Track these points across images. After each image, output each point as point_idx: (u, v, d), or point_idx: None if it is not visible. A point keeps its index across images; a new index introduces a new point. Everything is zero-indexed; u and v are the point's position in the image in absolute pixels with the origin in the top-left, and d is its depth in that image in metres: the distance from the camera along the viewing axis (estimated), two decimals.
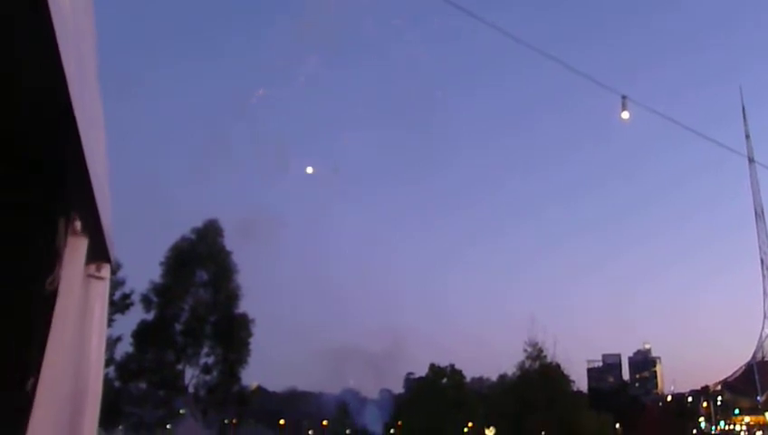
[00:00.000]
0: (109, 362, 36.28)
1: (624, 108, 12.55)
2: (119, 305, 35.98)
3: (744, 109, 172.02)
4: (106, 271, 2.31)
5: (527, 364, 49.13)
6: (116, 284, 34.75)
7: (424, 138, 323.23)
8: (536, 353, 48.71)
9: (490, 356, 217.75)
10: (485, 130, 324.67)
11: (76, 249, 1.91)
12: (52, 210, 1.76)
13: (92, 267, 2.21)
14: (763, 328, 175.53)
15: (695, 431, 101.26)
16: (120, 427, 39.54)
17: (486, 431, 51.95)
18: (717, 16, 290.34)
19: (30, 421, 1.74)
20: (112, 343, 35.83)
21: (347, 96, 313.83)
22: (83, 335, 2.14)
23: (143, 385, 39.97)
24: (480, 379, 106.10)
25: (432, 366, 54.51)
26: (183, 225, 43.03)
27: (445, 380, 52.79)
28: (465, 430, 53.03)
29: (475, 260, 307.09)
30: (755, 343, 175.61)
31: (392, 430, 60.92)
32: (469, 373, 62.40)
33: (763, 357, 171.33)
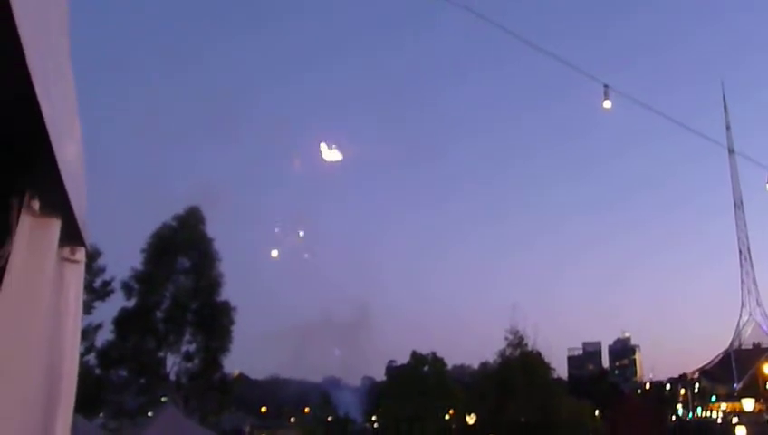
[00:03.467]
0: (89, 349, 36.07)
1: (606, 97, 12.61)
2: (99, 293, 35.73)
3: (724, 99, 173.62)
4: (81, 254, 2.30)
5: (508, 352, 49.46)
6: (96, 271, 34.47)
7: (411, 126, 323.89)
8: (517, 341, 49.04)
9: (471, 344, 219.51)
10: (472, 120, 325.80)
11: (44, 231, 1.89)
12: (2, 187, 1.75)
13: (66, 250, 2.20)
14: (740, 316, 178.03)
15: (672, 418, 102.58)
16: (101, 414, 39.36)
17: (467, 418, 52.28)
18: (700, 8, 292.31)
19: (4, 404, 1.74)
20: (92, 330, 35.61)
21: (338, 83, 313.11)
22: (59, 318, 2.14)
23: (124, 373, 39.78)
24: (461, 366, 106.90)
25: (414, 354, 54.68)
26: (165, 212, 42.59)
27: (426, 367, 53.01)
28: (447, 417, 53.36)
29: (457, 249, 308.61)
30: (733, 331, 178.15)
31: (374, 418, 61.15)
32: (451, 361, 62.87)
33: (741, 345, 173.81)
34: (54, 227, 1.94)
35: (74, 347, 2.30)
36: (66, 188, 1.76)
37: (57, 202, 1.86)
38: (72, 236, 2.14)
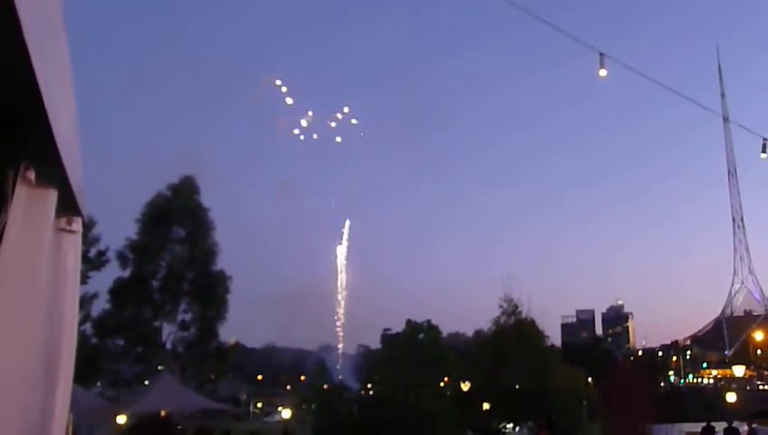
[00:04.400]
0: (85, 318, 36.17)
1: (602, 66, 12.54)
2: (94, 263, 35.73)
3: (720, 68, 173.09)
4: (77, 224, 2.31)
5: (502, 320, 49.76)
6: (91, 240, 34.41)
7: (406, 97, 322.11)
8: (512, 309, 49.30)
9: (466, 312, 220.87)
10: (466, 90, 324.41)
11: (41, 201, 1.90)
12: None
13: (63, 221, 2.20)
14: (732, 284, 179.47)
15: (662, 385, 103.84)
16: (98, 383, 39.65)
17: (462, 385, 52.80)
18: None
19: (4, 374, 1.75)
20: (88, 299, 35.67)
21: (337, 60, 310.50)
22: (57, 288, 2.15)
23: (120, 342, 39.96)
24: (456, 334, 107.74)
25: (409, 322, 54.91)
26: (159, 181, 42.41)
27: (421, 335, 53.32)
28: (442, 384, 53.84)
29: (452, 218, 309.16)
30: (725, 298, 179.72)
31: (369, 385, 61.69)
32: (445, 329, 63.28)
33: (732, 313, 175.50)
34: (51, 197, 1.94)
35: (73, 317, 2.32)
36: (62, 159, 1.76)
37: (53, 173, 1.86)
38: (68, 206, 2.14)
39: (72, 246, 2.29)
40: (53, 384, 2.19)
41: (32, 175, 1.79)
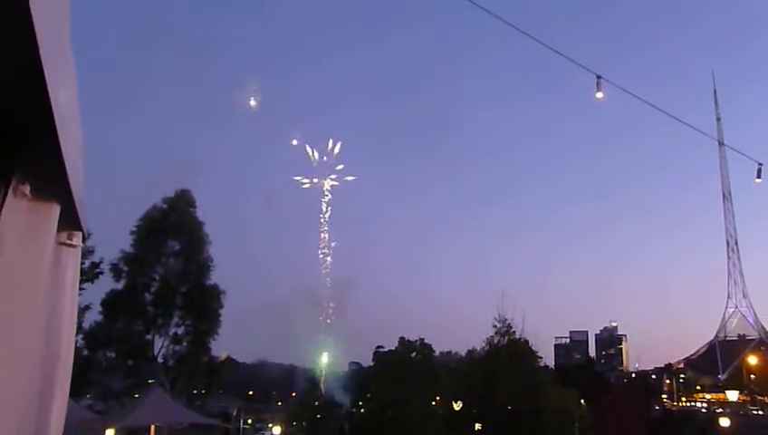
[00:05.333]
0: (77, 330, 35.68)
1: (599, 88, 12.63)
2: (88, 274, 35.56)
3: (715, 92, 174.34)
4: (78, 239, 2.32)
5: (496, 340, 49.74)
6: (85, 252, 34.22)
7: (408, 118, 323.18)
8: (505, 329, 49.31)
9: (459, 331, 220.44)
10: (465, 112, 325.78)
11: (43, 215, 1.91)
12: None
13: (63, 235, 2.22)
14: (726, 308, 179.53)
15: (655, 408, 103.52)
16: (88, 395, 39.35)
17: (454, 405, 52.61)
18: (691, 1, 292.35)
19: (2, 386, 1.76)
20: (81, 311, 35.46)
21: (342, 72, 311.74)
22: (56, 302, 2.16)
23: (112, 354, 39.73)
24: (449, 353, 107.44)
25: (402, 340, 54.84)
26: (155, 194, 42.46)
27: (414, 353, 53.20)
28: (433, 403, 53.65)
29: (446, 237, 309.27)
30: (719, 322, 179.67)
31: (360, 403, 61.45)
32: (438, 347, 63.22)
33: (726, 336, 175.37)
34: (54, 211, 1.95)
35: (71, 330, 2.33)
36: (67, 173, 1.77)
37: (57, 187, 1.88)
38: (69, 220, 2.15)
39: (72, 260, 2.30)
40: (50, 397, 2.19)
41: (26, 189, 1.80)
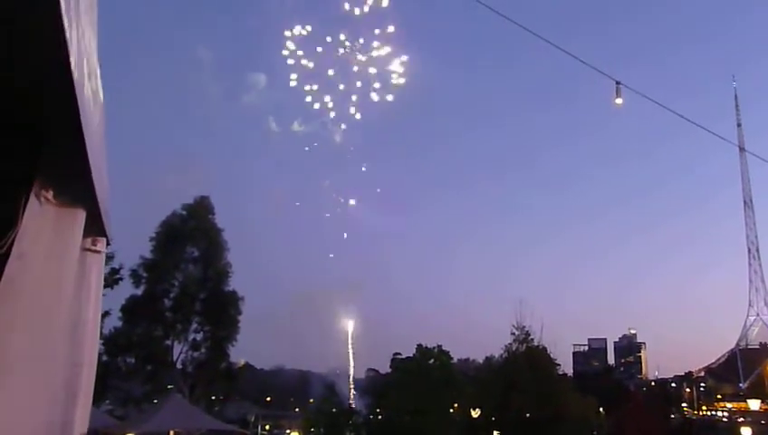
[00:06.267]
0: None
1: (618, 94, 12.54)
2: (108, 280, 35.76)
3: (736, 97, 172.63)
4: (102, 245, 2.34)
5: (514, 347, 49.42)
6: (105, 258, 34.46)
7: (424, 119, 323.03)
8: (523, 337, 48.97)
9: (476, 338, 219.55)
10: (484, 116, 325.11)
11: (69, 221, 1.92)
12: (14, 177, 1.77)
13: (88, 240, 2.23)
14: (747, 316, 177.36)
15: (675, 416, 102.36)
16: (107, 401, 39.56)
17: (472, 412, 52.31)
18: (714, 8, 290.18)
19: (27, 391, 1.77)
20: (101, 317, 35.69)
21: None
22: (80, 307, 2.17)
23: (131, 360, 39.92)
24: (467, 360, 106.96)
25: (419, 347, 54.70)
26: (174, 200, 42.77)
27: (432, 360, 53.03)
28: (451, 410, 53.41)
29: (465, 244, 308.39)
30: (740, 330, 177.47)
31: (378, 410, 61.29)
32: (456, 354, 62.90)
33: (747, 345, 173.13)
34: (79, 216, 1.97)
35: (95, 336, 2.34)
36: (92, 179, 1.78)
37: (82, 192, 1.89)
38: (94, 226, 2.17)
39: (96, 266, 2.32)
40: (74, 403, 2.20)
41: (49, 194, 1.81)
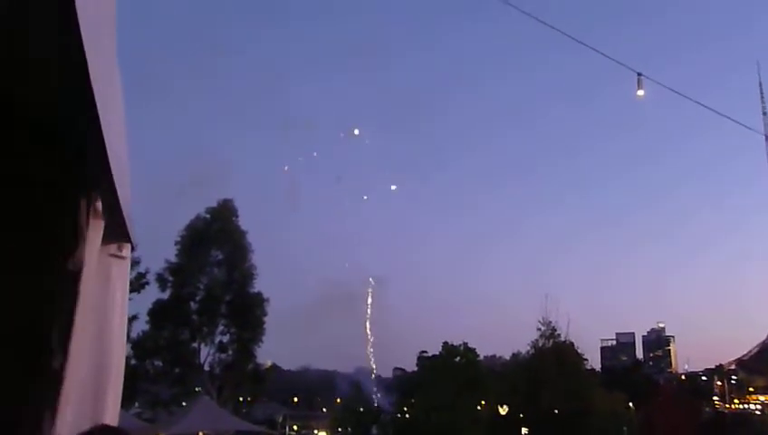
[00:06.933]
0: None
1: (639, 86, 12.42)
2: (134, 285, 36.15)
3: (760, 85, 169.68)
4: (127, 251, 2.36)
5: (540, 343, 49.07)
6: (131, 263, 34.79)
7: (449, 117, 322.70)
8: (550, 332, 48.62)
9: (503, 334, 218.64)
10: (512, 112, 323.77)
11: (97, 229, 1.94)
12: (72, 189, 1.79)
13: (113, 247, 2.25)
14: None
15: (706, 410, 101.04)
16: (136, 404, 39.98)
17: (499, 409, 52.11)
18: (737, 1, 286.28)
19: (57, 398, 1.79)
20: (128, 321, 35.99)
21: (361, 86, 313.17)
22: (106, 313, 2.19)
23: (159, 363, 40.32)
24: (493, 357, 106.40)
25: (445, 344, 54.62)
26: (198, 204, 43.15)
27: (458, 358, 52.92)
28: (479, 408, 53.25)
29: (494, 239, 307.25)
30: None
31: (405, 408, 61.30)
32: (482, 351, 62.70)
33: None
34: (102, 224, 1.98)
35: (121, 341, 2.36)
36: (116, 186, 1.79)
37: (109, 199, 1.90)
38: (119, 232, 2.18)
39: (122, 272, 2.34)
40: (102, 406, 2.22)
41: (99, 205, 1.83)
